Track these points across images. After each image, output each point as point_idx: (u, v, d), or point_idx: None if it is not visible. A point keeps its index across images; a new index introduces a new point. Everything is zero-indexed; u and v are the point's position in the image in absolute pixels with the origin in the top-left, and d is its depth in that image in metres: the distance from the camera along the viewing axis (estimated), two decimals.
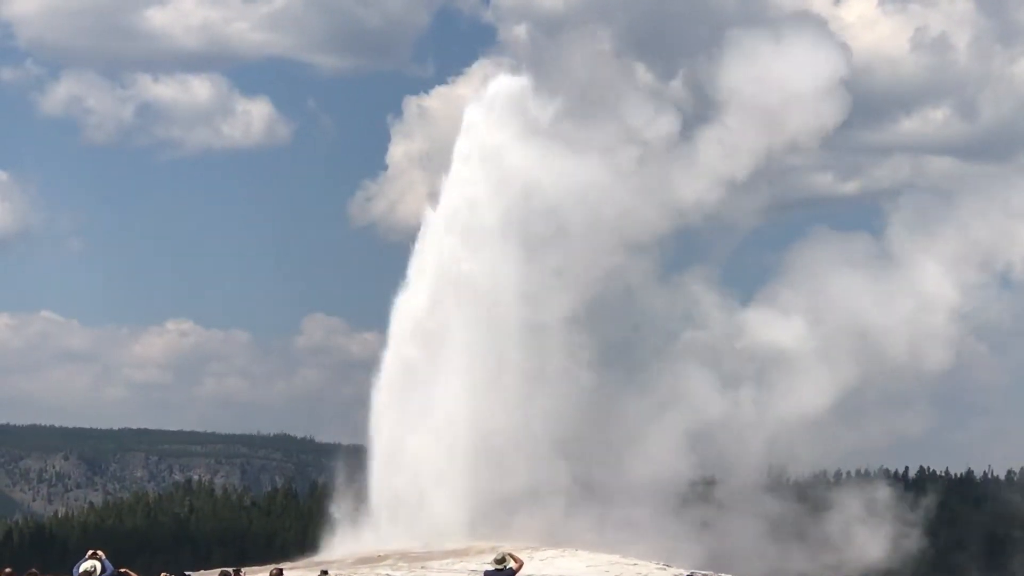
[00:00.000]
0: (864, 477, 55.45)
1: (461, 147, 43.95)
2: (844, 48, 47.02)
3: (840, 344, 44.53)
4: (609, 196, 42.35)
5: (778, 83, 43.90)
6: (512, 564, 18.10)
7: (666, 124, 43.19)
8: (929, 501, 48.12)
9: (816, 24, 49.10)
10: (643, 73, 52.61)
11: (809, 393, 43.35)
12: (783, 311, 45.03)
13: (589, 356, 42.00)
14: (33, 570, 16.58)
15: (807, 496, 45.53)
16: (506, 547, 29.49)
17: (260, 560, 41.87)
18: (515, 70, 44.84)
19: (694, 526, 41.39)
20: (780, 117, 43.99)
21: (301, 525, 68.97)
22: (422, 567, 33.66)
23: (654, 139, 43.11)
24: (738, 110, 43.90)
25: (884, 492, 46.38)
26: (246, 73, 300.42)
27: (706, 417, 42.77)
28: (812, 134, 45.33)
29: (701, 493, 44.34)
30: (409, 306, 42.67)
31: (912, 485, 65.04)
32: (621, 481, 41.10)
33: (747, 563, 40.12)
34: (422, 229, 43.88)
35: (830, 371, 43.80)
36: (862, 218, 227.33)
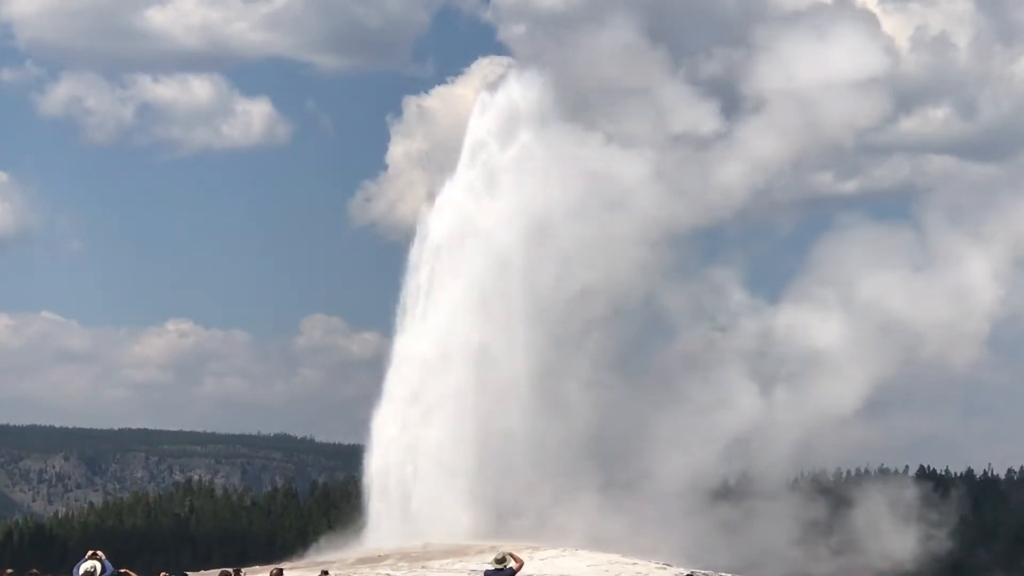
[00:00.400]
0: (871, 476, 55.04)
1: (466, 176, 42.36)
2: (888, 46, 46.30)
3: (871, 340, 43.58)
4: (637, 196, 41.34)
5: (817, 79, 42.68)
6: (512, 564, 18.08)
7: (706, 121, 42.27)
8: (958, 500, 47.19)
9: (862, 19, 46.96)
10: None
11: (840, 392, 42.50)
12: (813, 307, 44.12)
13: (614, 357, 41.60)
14: (33, 570, 16.64)
15: (832, 495, 44.84)
16: (506, 547, 29.40)
17: (260, 560, 41.72)
18: (526, 69, 43.38)
19: (721, 527, 40.63)
20: (817, 115, 42.96)
21: (301, 525, 68.90)
22: (422, 567, 33.56)
23: (689, 136, 42.26)
24: (770, 107, 43.02)
25: (910, 491, 45.43)
26: (246, 73, 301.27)
27: (736, 417, 42.04)
28: (849, 132, 44.77)
29: (728, 494, 43.66)
30: (413, 333, 41.82)
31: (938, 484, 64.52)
32: (647, 483, 40.59)
33: (775, 564, 39.70)
34: (417, 242, 42.58)
35: (863, 368, 42.89)
36: (863, 217, 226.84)
